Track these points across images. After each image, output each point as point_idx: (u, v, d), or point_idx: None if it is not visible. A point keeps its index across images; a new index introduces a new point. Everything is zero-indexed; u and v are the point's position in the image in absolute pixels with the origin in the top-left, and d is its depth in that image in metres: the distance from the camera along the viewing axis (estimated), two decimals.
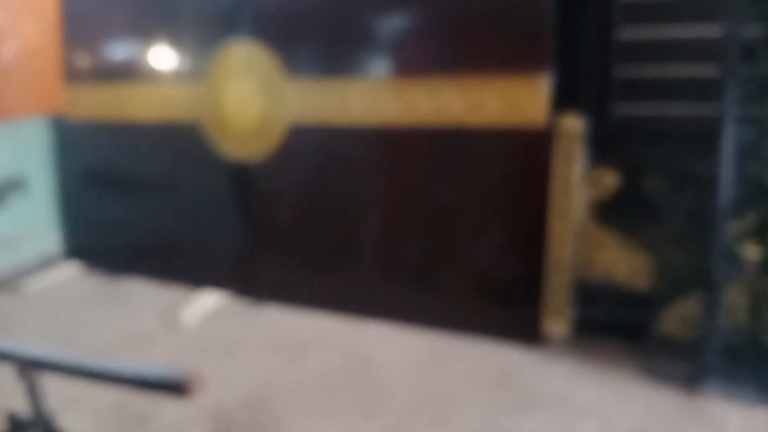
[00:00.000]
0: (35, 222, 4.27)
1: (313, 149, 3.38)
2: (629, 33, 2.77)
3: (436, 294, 3.18)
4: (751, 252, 2.55)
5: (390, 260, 3.31)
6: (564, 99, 2.85)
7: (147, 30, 3.79)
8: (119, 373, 0.84)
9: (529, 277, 2.93)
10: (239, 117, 3.52)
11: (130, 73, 3.88)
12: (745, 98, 2.43)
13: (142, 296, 3.83)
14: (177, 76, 3.72)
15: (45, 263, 4.32)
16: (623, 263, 2.81)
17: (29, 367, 0.97)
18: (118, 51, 3.95)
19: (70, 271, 4.26)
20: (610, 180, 2.79)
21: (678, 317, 2.63)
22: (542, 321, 2.90)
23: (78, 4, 4.07)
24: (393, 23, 3.07)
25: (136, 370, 0.83)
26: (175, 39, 3.69)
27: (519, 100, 2.78)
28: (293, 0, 3.29)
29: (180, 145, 3.80)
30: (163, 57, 3.75)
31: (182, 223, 3.90)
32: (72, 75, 4.14)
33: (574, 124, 2.74)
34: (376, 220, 3.33)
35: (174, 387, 0.76)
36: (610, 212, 2.82)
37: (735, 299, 2.57)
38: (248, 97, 3.47)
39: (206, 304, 3.57)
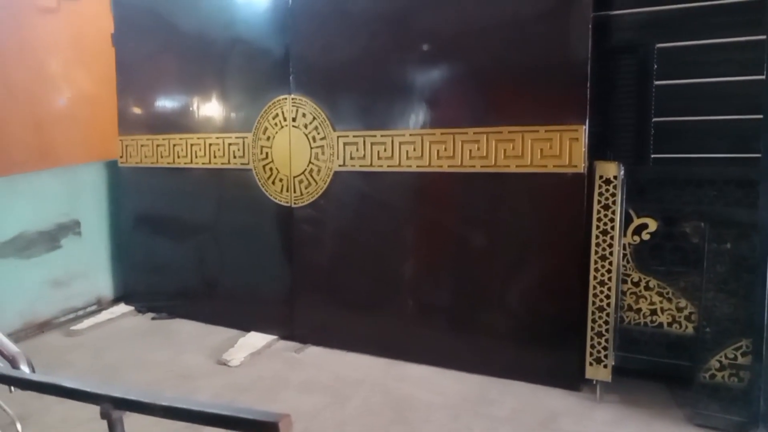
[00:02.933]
0: (88, 264, 4.44)
1: (354, 194, 3.49)
2: (668, 81, 2.83)
3: (476, 336, 3.21)
4: None
5: (430, 302, 3.36)
6: (604, 146, 2.91)
7: (198, 81, 4.00)
8: (208, 412, 0.90)
9: (571, 321, 2.94)
10: (285, 164, 3.66)
11: (181, 121, 4.09)
12: None
13: (188, 337, 3.93)
14: (227, 126, 3.90)
15: (96, 304, 4.47)
16: (666, 308, 2.81)
17: (116, 407, 1.04)
18: (170, 100, 4.16)
19: (120, 311, 4.40)
20: (650, 225, 2.81)
21: (725, 364, 2.61)
22: (584, 366, 2.89)
23: (132, 54, 4.32)
24: (435, 77, 3.19)
25: (226, 409, 0.89)
26: (226, 90, 3.89)
27: (559, 148, 2.85)
28: (339, 55, 3.45)
29: (227, 191, 3.97)
30: (213, 107, 3.94)
31: (228, 266, 4.03)
32: (125, 123, 4.37)
33: (612, 169, 2.79)
34: (415, 262, 3.39)
35: (263, 428, 0.82)
36: (652, 257, 2.83)
37: None
38: (295, 146, 3.61)
39: (250, 344, 3.65)
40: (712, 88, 2.74)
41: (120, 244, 4.58)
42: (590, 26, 2.71)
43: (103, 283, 4.58)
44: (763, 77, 2.47)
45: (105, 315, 4.30)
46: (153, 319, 4.28)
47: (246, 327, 3.88)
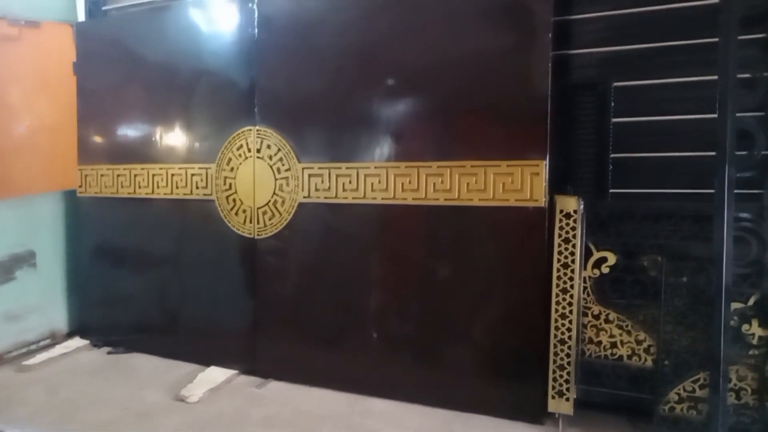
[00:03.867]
0: (42, 296, 4.30)
1: (319, 226, 3.47)
2: (626, 118, 2.91)
3: (440, 370, 3.18)
4: (755, 332, 2.60)
5: (395, 335, 3.33)
6: (564, 180, 2.96)
7: (162, 111, 3.96)
8: None
9: (534, 355, 2.95)
10: (249, 195, 3.63)
11: (143, 151, 4.03)
12: (740, 180, 2.55)
13: (146, 372, 3.81)
14: (190, 156, 3.86)
15: (50, 338, 4.33)
16: (626, 341, 2.84)
17: None
18: (133, 129, 4.10)
19: (75, 345, 4.25)
20: (610, 259, 2.85)
21: (684, 396, 2.64)
22: (546, 399, 2.89)
23: (94, 83, 4.27)
24: (400, 110, 3.22)
25: None
26: (190, 121, 3.86)
27: (521, 182, 2.89)
28: (305, 88, 3.46)
29: (189, 222, 3.91)
30: (177, 138, 3.90)
31: (188, 298, 3.94)
32: (86, 152, 4.30)
33: (572, 203, 2.84)
34: (379, 295, 3.37)
35: None
36: (612, 290, 2.87)
37: (741, 378, 2.60)
38: (259, 177, 3.59)
39: (210, 379, 3.56)
40: (667, 125, 2.83)
41: (77, 276, 4.46)
42: (550, 64, 2.78)
43: (58, 317, 4.44)
44: (716, 116, 2.57)
45: (59, 349, 4.15)
46: (109, 353, 4.14)
47: (206, 361, 3.79)
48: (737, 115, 2.53)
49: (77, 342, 4.32)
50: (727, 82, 2.52)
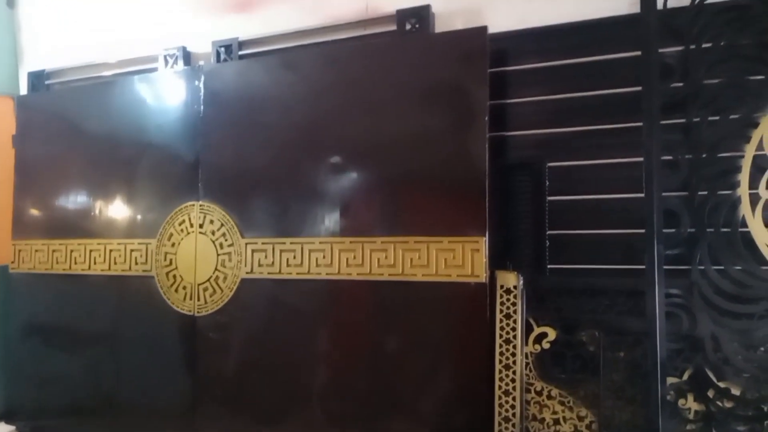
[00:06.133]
0: None
1: (262, 302, 3.41)
2: (560, 196, 3.02)
3: None
4: (691, 406, 2.65)
5: (340, 412, 3.24)
6: (504, 256, 3.02)
7: (102, 185, 3.89)
8: None
9: (478, 430, 2.92)
10: (190, 271, 3.56)
11: (81, 226, 3.93)
12: (668, 257, 2.66)
13: None
14: (130, 231, 3.78)
15: None
16: (568, 417, 2.85)
17: None
18: (71, 203, 4.00)
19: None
20: (550, 334, 2.89)
21: None
22: None
23: (33, 157, 4.18)
24: (345, 186, 3.25)
25: None
26: (131, 195, 3.80)
27: (462, 258, 2.93)
28: (250, 163, 3.47)
29: (126, 299, 3.78)
30: (117, 212, 3.82)
31: (125, 378, 3.77)
32: (20, 227, 4.16)
33: (512, 279, 2.89)
34: (324, 372, 3.30)
35: None
36: (553, 366, 2.90)
37: None
38: (201, 253, 3.54)
39: None
40: (599, 203, 2.94)
41: (5, 355, 4.22)
42: (487, 145, 2.89)
43: None
44: (643, 195, 2.70)
45: None
46: None
47: None
48: (663, 194, 2.67)
49: (2, 428, 4.05)
50: (651, 163, 2.67)
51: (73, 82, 4.39)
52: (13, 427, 4.04)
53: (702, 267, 2.66)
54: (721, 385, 2.62)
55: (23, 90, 4.51)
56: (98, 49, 4.28)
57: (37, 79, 4.43)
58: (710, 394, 2.63)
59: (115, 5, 4.30)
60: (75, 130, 4.01)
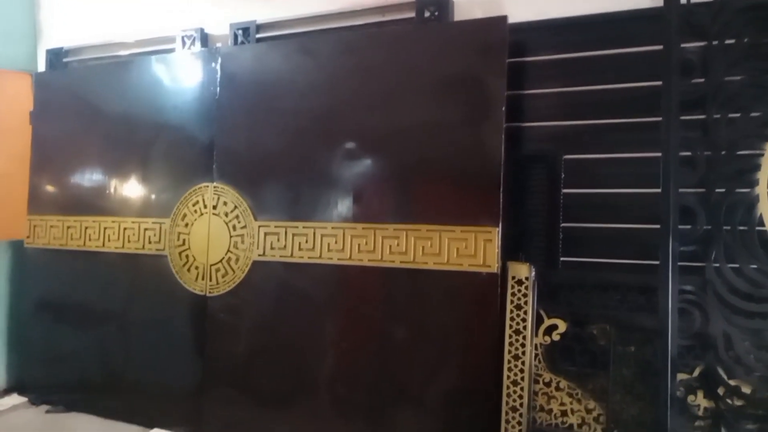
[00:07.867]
0: None
1: (273, 284, 3.43)
2: (576, 189, 3.00)
3: None
4: (700, 403, 2.65)
5: (347, 399, 3.27)
6: (517, 248, 3.01)
7: (118, 164, 3.92)
8: None
9: (487, 421, 2.92)
10: (203, 251, 3.58)
11: (96, 204, 3.96)
12: (683, 254, 2.65)
13: None
14: (144, 210, 3.80)
15: None
16: (576, 410, 2.85)
17: None
18: (87, 181, 4.03)
19: (11, 403, 4.06)
20: (560, 326, 2.89)
21: None
22: None
23: (50, 134, 4.21)
24: (358, 173, 3.25)
25: None
26: (147, 175, 3.82)
27: (474, 248, 2.93)
28: (264, 147, 3.48)
29: (138, 277, 3.81)
30: (131, 191, 3.85)
31: (134, 356, 3.81)
32: (36, 202, 4.20)
33: (524, 270, 2.89)
34: (332, 357, 3.32)
35: None
36: (562, 358, 2.90)
37: None
38: (213, 234, 3.55)
39: None
40: (614, 198, 2.93)
41: (18, 329, 4.28)
42: (503, 136, 2.87)
43: None
44: (659, 191, 2.68)
45: None
46: (47, 412, 3.95)
47: (149, 423, 3.65)
48: (680, 191, 2.65)
49: (14, 399, 4.13)
50: (669, 159, 2.65)
51: (90, 61, 4.40)
52: (25, 399, 4.10)
53: (717, 265, 2.64)
54: (732, 383, 2.61)
55: (41, 67, 4.52)
56: (116, 28, 4.29)
57: (55, 56, 4.44)
58: (720, 391, 2.62)
59: None
60: (92, 108, 4.03)
